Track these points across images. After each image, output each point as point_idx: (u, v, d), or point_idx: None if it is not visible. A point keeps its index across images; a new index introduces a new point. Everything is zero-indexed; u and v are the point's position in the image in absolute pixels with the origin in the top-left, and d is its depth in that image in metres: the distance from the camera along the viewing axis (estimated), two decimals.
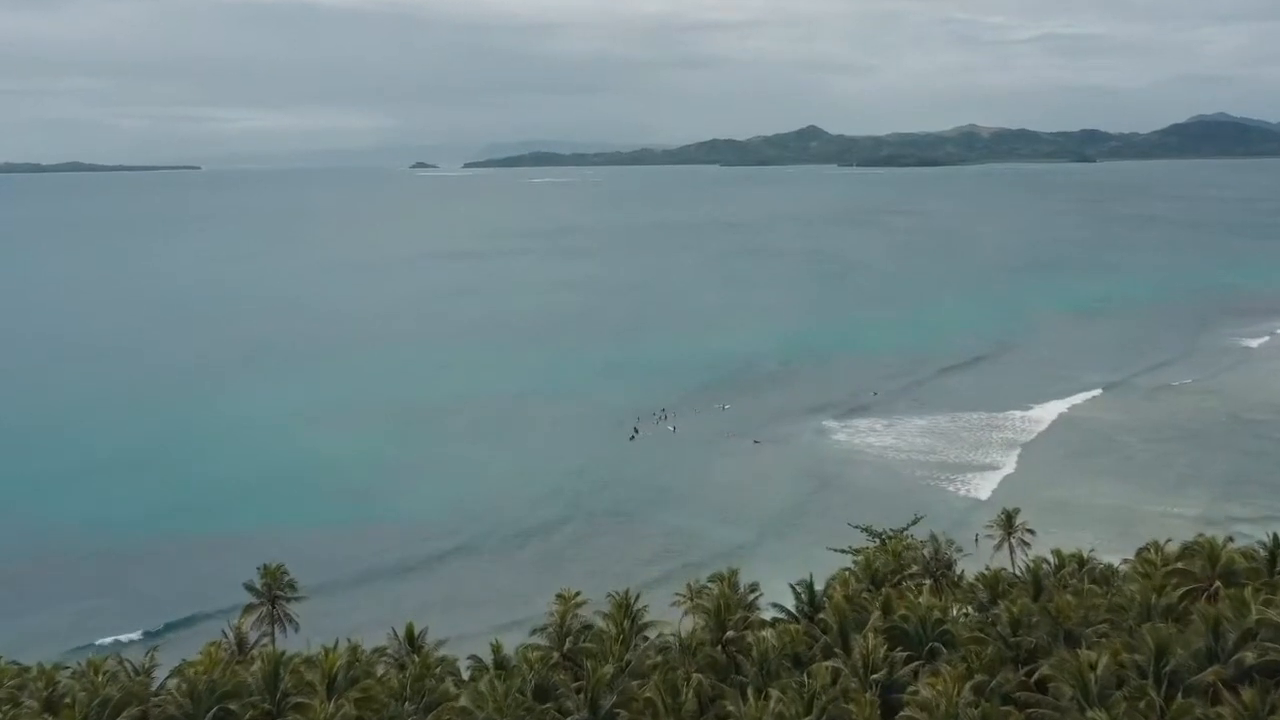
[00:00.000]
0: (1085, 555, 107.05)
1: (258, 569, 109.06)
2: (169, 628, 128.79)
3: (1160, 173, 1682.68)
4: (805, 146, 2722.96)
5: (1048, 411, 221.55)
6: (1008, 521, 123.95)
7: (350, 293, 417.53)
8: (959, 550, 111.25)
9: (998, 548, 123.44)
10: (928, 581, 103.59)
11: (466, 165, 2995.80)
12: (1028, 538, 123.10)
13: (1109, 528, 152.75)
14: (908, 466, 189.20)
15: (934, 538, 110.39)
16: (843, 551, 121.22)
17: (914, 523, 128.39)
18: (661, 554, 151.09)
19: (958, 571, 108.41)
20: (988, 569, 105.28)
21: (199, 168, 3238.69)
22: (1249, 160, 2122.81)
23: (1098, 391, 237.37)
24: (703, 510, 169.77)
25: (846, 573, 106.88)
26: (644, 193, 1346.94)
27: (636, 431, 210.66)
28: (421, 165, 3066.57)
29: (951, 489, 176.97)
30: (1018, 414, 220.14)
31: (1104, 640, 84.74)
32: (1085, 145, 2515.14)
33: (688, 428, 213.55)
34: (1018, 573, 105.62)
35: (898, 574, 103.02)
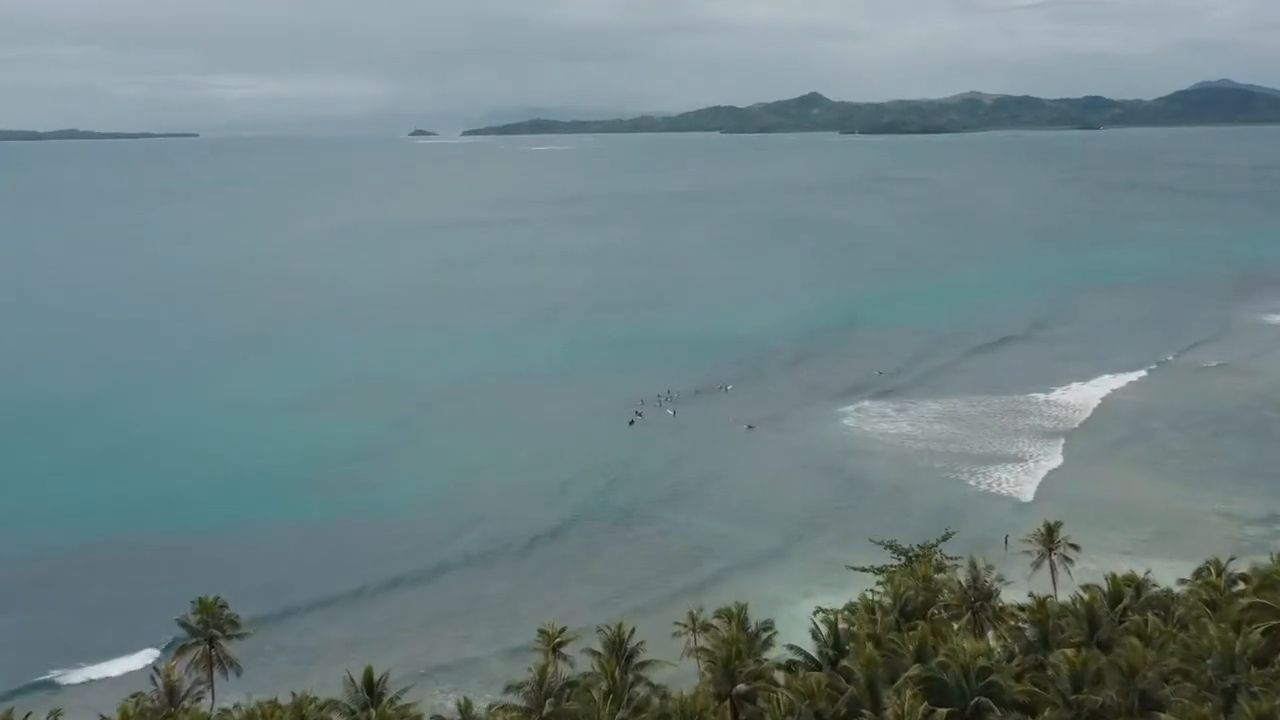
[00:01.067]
0: (1140, 578, 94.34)
1: (192, 602, 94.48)
2: (101, 660, 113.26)
3: (1165, 140, 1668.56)
4: (807, 113, 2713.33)
5: (1083, 396, 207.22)
6: (1049, 535, 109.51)
7: (348, 265, 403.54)
8: (1001, 580, 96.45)
9: (1037, 565, 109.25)
10: (966, 614, 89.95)
11: (465, 133, 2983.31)
12: (1071, 553, 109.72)
13: (1158, 530, 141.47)
14: (931, 458, 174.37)
15: (972, 564, 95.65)
16: (864, 570, 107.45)
17: (945, 539, 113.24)
18: (661, 564, 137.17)
19: (998, 600, 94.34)
20: (1032, 596, 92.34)
21: (197, 135, 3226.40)
22: (1253, 127, 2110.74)
23: (1138, 374, 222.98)
24: (704, 510, 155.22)
25: (871, 598, 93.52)
26: (645, 161, 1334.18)
27: (639, 415, 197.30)
28: (420, 133, 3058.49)
29: (988, 487, 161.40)
30: (1055, 399, 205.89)
31: (1186, 704, 71.32)
32: (1089, 112, 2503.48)
33: (689, 412, 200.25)
34: (1067, 599, 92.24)
35: (930, 605, 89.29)
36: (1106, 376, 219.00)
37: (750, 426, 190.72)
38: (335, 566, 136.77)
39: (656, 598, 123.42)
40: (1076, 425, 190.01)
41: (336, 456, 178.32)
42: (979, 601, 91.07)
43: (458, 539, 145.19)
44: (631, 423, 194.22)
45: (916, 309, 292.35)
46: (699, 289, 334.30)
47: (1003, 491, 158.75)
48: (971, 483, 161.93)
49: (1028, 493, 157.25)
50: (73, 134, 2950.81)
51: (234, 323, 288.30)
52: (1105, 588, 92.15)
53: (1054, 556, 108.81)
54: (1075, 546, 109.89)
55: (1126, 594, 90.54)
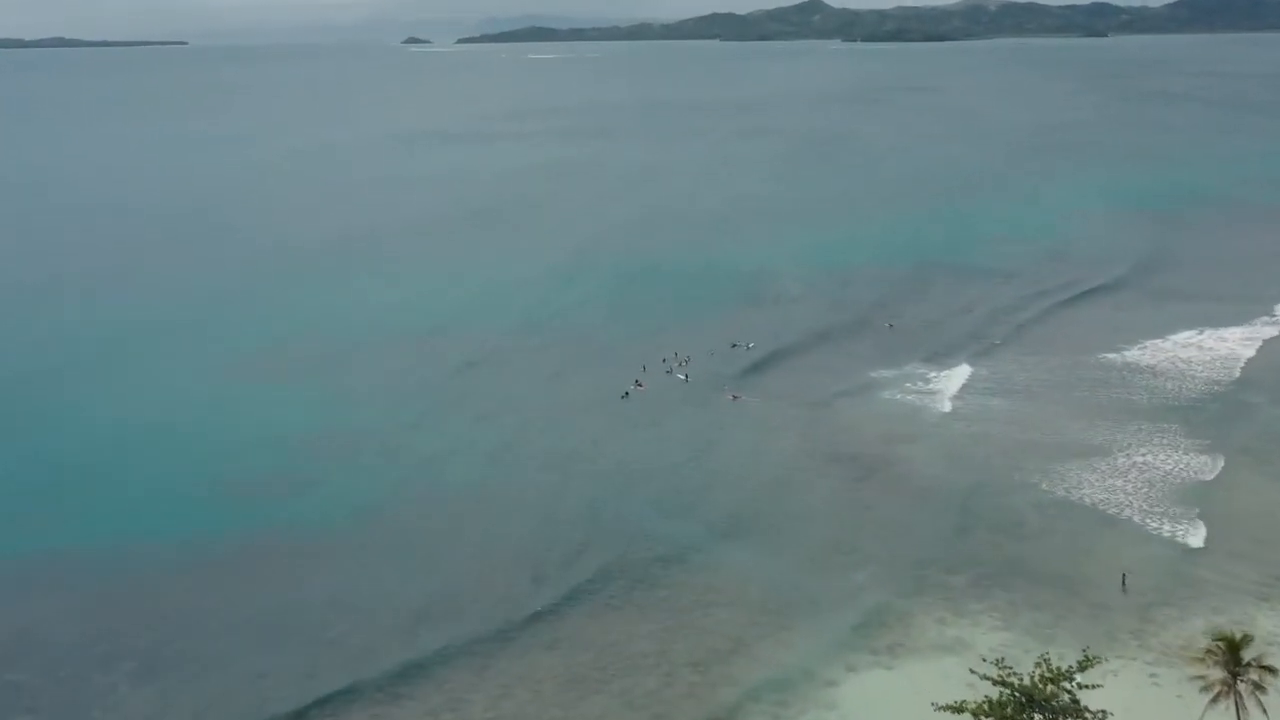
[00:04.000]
0: None
1: None
2: None
3: (1175, 48, 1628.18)
4: (808, 21, 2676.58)
5: (1177, 359, 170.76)
6: (1231, 655, 72.45)
7: (338, 188, 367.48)
8: None
9: (1215, 699, 73.34)
10: None
11: (460, 41, 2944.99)
12: (1268, 679, 72.83)
13: None
14: (990, 447, 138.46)
15: None
16: (956, 711, 71.34)
17: (1085, 665, 72.76)
18: (656, 623, 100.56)
19: None
20: None
21: (186, 43, 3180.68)
22: (1262, 34, 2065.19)
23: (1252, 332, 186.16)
24: (707, 529, 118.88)
25: None
26: (647, 70, 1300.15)
27: (637, 385, 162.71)
28: (414, 41, 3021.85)
29: (1070, 492, 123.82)
30: (1147, 364, 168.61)
31: None
32: (1095, 19, 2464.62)
33: (699, 378, 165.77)
34: None
35: None
36: (1201, 333, 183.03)
37: (735, 397, 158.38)
38: (205, 623, 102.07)
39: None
40: (1180, 403, 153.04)
41: (272, 445, 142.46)
42: None
43: (381, 591, 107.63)
44: (626, 394, 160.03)
45: (962, 242, 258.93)
46: (709, 213, 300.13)
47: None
48: (1045, 486, 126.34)
49: (1132, 505, 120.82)
50: (61, 42, 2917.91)
51: (198, 261, 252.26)
52: None
53: (1240, 686, 72.98)
54: (1271, 669, 73.36)
55: None
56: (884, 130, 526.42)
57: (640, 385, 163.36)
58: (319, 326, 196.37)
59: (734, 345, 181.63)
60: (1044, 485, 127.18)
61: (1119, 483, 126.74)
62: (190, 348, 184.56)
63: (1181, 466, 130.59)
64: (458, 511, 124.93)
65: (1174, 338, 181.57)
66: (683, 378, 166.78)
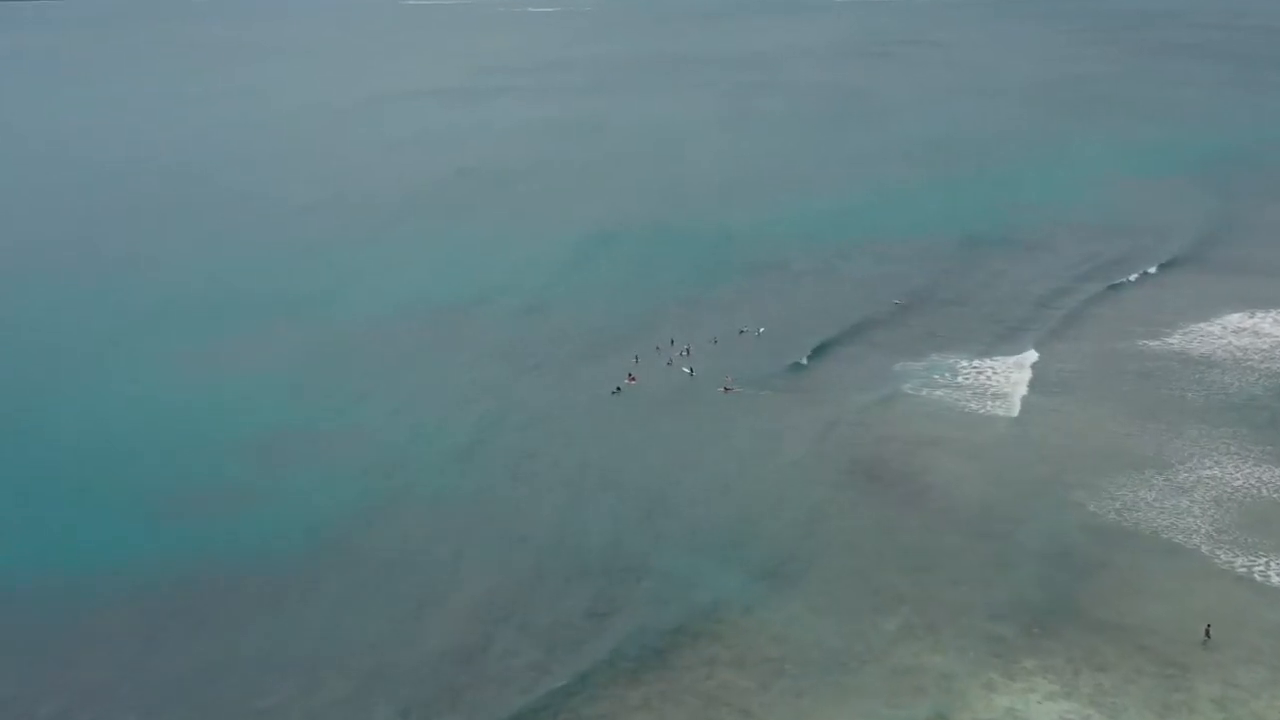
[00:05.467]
0: None
1: None
2: None
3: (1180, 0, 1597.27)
4: None
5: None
6: None
7: (321, 145, 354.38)
8: None
9: None
10: None
11: None
12: None
13: None
14: (1039, 457, 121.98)
15: None
16: None
17: None
18: (666, 693, 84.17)
19: None
20: None
21: None
22: None
23: None
24: (711, 562, 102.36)
25: None
26: (644, 23, 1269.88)
27: (631, 378, 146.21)
28: None
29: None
30: (1234, 354, 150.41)
31: None
32: None
33: (704, 368, 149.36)
34: None
35: None
36: (1253, 315, 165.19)
37: (726, 389, 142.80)
38: (117, 684, 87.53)
39: None
40: (1241, 401, 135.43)
41: (228, 451, 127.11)
42: None
43: (332, 645, 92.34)
44: (618, 390, 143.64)
45: (983, 210, 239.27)
46: (719, 179, 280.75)
47: (1145, 525, 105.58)
48: (1093, 507, 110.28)
49: (1200, 531, 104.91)
50: None
51: (170, 231, 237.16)
52: None
53: None
54: None
55: None
56: (894, 85, 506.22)
57: (632, 379, 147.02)
58: (301, 308, 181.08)
59: (741, 331, 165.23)
60: (1092, 506, 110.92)
61: (1182, 503, 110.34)
62: (149, 332, 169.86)
63: (1254, 482, 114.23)
64: (422, 535, 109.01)
65: (1222, 321, 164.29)
66: (687, 371, 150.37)
